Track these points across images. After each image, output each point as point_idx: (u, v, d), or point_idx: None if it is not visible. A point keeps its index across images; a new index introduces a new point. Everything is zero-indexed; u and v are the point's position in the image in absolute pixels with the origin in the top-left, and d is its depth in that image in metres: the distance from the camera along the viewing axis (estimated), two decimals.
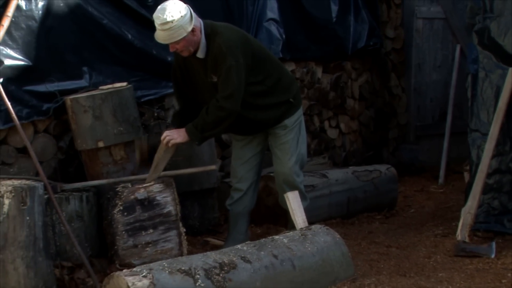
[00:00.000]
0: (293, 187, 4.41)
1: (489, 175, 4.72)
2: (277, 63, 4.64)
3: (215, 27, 4.30)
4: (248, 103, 4.32)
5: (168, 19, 4.10)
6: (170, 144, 4.28)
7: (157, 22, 4.15)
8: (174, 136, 4.28)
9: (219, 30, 4.29)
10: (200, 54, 4.27)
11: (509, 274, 3.99)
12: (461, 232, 4.56)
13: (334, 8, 6.46)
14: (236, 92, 4.21)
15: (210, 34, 4.26)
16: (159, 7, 4.19)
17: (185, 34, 4.14)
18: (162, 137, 4.30)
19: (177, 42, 4.17)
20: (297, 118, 4.55)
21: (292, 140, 4.51)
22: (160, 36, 4.20)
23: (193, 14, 4.21)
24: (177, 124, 4.48)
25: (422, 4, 7.24)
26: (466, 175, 5.29)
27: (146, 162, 4.42)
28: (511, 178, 4.71)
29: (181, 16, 4.12)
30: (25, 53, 4.57)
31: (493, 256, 4.31)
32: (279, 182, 4.55)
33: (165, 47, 5.18)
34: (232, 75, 4.20)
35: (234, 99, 4.21)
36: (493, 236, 4.63)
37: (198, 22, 4.23)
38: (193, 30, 4.17)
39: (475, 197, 4.64)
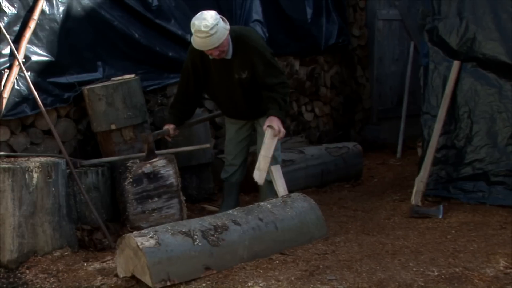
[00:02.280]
0: (275, 159, 4.41)
1: (437, 150, 4.74)
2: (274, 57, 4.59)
3: (238, 31, 4.18)
4: (250, 95, 4.26)
5: (214, 22, 3.92)
6: (283, 133, 4.14)
7: (203, 30, 3.90)
8: (280, 127, 4.11)
9: (246, 34, 4.19)
10: (228, 55, 4.14)
11: (453, 231, 4.02)
12: (415, 198, 4.57)
13: (309, 11, 6.43)
14: (283, 72, 4.28)
15: (235, 37, 4.12)
16: (195, 19, 3.96)
17: (227, 33, 4.00)
18: (275, 133, 4.10)
19: (222, 44, 3.98)
20: None
21: None
22: (207, 42, 3.95)
23: (222, 17, 4.07)
24: (171, 119, 4.42)
25: (383, 8, 7.21)
26: (419, 150, 5.30)
27: (153, 152, 4.37)
28: (455, 152, 4.73)
29: (219, 18, 3.99)
30: (49, 50, 4.53)
31: (440, 216, 4.33)
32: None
33: (166, 44, 5.19)
34: (275, 62, 4.23)
35: (284, 75, 4.31)
36: (440, 200, 4.65)
37: (227, 23, 4.07)
38: (229, 30, 4.03)
39: (426, 168, 4.67)
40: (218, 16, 4.02)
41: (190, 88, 4.39)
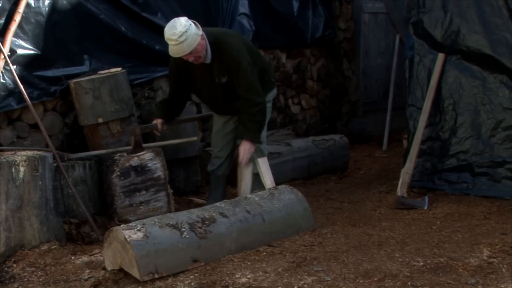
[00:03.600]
0: (258, 151, 4.43)
1: (423, 142, 4.76)
2: (260, 54, 4.57)
3: (217, 36, 4.15)
4: (232, 96, 4.26)
5: (183, 30, 3.92)
6: (245, 163, 4.21)
7: (172, 38, 3.94)
8: (245, 154, 4.19)
9: (223, 39, 4.15)
10: (207, 60, 4.14)
11: (438, 222, 4.05)
12: (401, 189, 4.59)
13: (296, 4, 6.42)
14: (256, 85, 4.16)
15: (214, 42, 4.12)
16: (166, 28, 3.99)
17: (199, 39, 3.99)
18: (239, 160, 4.21)
19: (195, 49, 3.99)
20: (271, 96, 4.54)
21: None
22: (179, 50, 3.98)
23: (195, 22, 4.07)
24: (160, 114, 4.42)
25: (368, 1, 7.22)
26: (405, 142, 5.31)
27: (140, 145, 4.35)
28: (440, 144, 4.76)
29: (190, 24, 3.98)
30: (35, 44, 4.49)
31: (426, 207, 4.35)
32: None
33: (153, 37, 5.17)
34: (249, 74, 4.13)
35: (257, 90, 4.17)
36: (426, 191, 4.67)
37: (200, 29, 4.07)
38: (202, 35, 4.03)
39: (411, 160, 4.69)
40: (189, 22, 4.00)
41: (178, 88, 4.42)
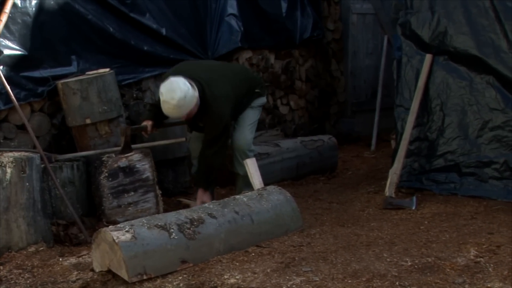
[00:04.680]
0: (245, 153, 4.45)
1: (410, 142, 4.78)
2: (248, 77, 4.61)
3: (205, 87, 4.14)
4: None
5: (182, 95, 3.93)
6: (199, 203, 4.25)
7: (171, 103, 3.94)
8: (199, 201, 4.29)
9: (211, 93, 4.15)
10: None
11: (426, 222, 4.06)
12: (389, 189, 4.60)
13: (284, 5, 6.43)
14: (220, 141, 4.27)
15: (202, 96, 4.12)
16: (163, 89, 3.98)
17: (195, 102, 4.03)
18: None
19: (190, 112, 4.05)
20: (260, 103, 4.63)
21: (252, 114, 4.56)
22: (174, 113, 4.03)
23: (190, 81, 4.05)
24: (150, 116, 4.42)
25: (356, 2, 7.25)
26: (393, 143, 5.33)
27: (129, 146, 4.34)
28: (428, 144, 4.78)
29: (188, 88, 3.98)
30: (22, 44, 4.47)
31: (414, 208, 4.36)
32: (237, 149, 4.57)
33: (141, 38, 5.16)
34: (219, 133, 4.24)
35: (218, 144, 4.28)
36: (414, 191, 4.68)
37: (196, 89, 4.08)
38: (197, 97, 4.06)
39: (399, 160, 4.70)
40: (187, 86, 4.00)
41: None
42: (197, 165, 4.47)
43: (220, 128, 4.26)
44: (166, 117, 4.51)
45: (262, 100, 4.67)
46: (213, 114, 4.21)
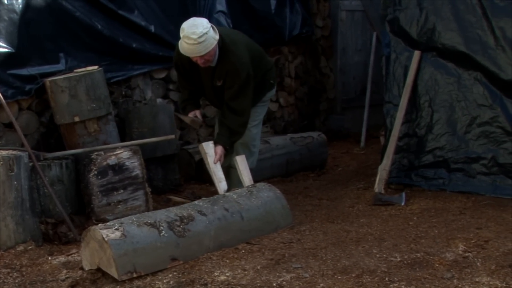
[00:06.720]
0: (248, 148, 4.42)
1: (399, 139, 4.81)
2: (264, 58, 4.52)
3: (226, 41, 4.07)
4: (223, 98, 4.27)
5: (204, 31, 3.87)
6: (221, 161, 4.18)
7: (192, 37, 3.87)
8: (219, 155, 4.17)
9: (231, 48, 4.08)
10: (213, 63, 4.11)
11: (415, 218, 4.09)
12: (378, 185, 4.63)
13: (273, 2, 6.43)
14: (245, 103, 4.16)
15: (221, 47, 4.06)
16: (186, 25, 3.93)
17: (215, 44, 3.96)
18: (215, 161, 4.15)
19: (208, 53, 3.96)
20: (270, 96, 4.59)
21: (260, 110, 4.53)
22: (193, 50, 3.92)
23: (213, 25, 4.02)
24: (189, 109, 4.40)
25: None
26: (382, 139, 5.34)
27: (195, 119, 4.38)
28: (417, 141, 4.80)
29: (209, 27, 3.94)
30: (9, 42, 4.43)
31: (403, 204, 4.39)
32: (241, 143, 4.48)
33: (130, 35, 5.13)
34: (241, 92, 4.12)
35: (244, 107, 4.18)
36: (403, 187, 4.72)
37: (217, 33, 4.01)
38: (217, 40, 3.98)
39: (389, 157, 4.73)
40: (209, 25, 3.97)
41: (185, 83, 4.45)
42: (219, 127, 4.29)
43: (243, 76, 4.08)
44: (199, 96, 4.48)
45: (272, 92, 4.61)
46: (234, 56, 4.07)
